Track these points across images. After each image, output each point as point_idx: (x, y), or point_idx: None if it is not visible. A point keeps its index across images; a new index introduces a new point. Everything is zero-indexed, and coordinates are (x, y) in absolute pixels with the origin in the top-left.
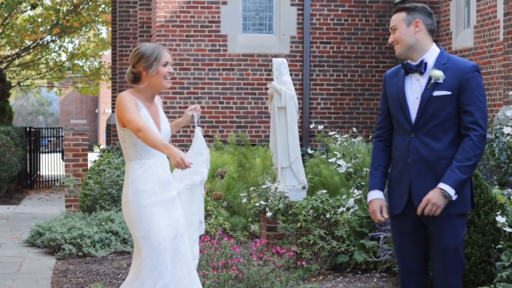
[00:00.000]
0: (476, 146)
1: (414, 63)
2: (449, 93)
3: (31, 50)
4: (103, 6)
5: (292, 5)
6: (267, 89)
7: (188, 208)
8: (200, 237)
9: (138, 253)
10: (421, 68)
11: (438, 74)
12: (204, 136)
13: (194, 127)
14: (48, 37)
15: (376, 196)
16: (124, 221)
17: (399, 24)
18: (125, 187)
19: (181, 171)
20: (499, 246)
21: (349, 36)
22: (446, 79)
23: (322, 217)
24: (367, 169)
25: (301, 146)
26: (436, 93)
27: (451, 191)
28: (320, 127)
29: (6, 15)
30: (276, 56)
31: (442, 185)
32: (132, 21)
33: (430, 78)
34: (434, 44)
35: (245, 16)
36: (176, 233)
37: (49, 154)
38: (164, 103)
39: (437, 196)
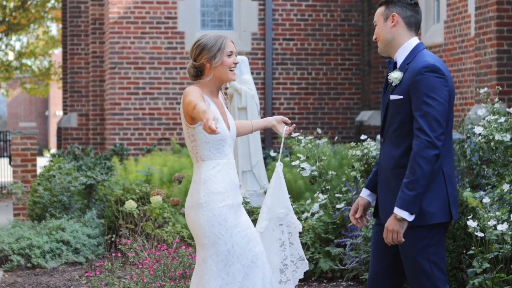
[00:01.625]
0: (418, 156)
1: (392, 61)
2: (401, 97)
3: None
4: (52, 1)
5: (253, 0)
6: (226, 88)
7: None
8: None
9: (202, 263)
10: (390, 68)
11: (394, 76)
12: (161, 139)
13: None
14: None
15: (361, 194)
16: (76, 230)
17: (378, 19)
18: (195, 188)
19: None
20: (471, 251)
21: (313, 32)
22: (402, 82)
23: None
24: (333, 172)
25: (263, 148)
26: (392, 96)
27: (402, 213)
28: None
29: None
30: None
31: (395, 209)
32: (83, 18)
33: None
34: (412, 39)
35: (203, 12)
36: (249, 239)
37: None
38: (118, 104)
39: (392, 222)
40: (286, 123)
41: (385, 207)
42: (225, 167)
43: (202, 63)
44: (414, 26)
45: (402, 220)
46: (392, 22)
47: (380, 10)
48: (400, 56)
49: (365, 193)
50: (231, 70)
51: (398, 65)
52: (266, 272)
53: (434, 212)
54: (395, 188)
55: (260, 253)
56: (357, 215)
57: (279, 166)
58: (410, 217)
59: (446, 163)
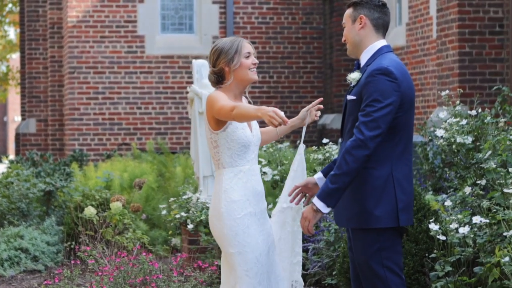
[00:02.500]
0: (348, 153)
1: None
2: (355, 97)
3: None
4: (10, 5)
5: (214, 3)
6: (187, 92)
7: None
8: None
9: (233, 272)
10: (354, 69)
11: (352, 77)
12: (121, 144)
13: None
14: None
15: (314, 176)
16: (35, 237)
17: (346, 21)
18: (216, 197)
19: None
20: (433, 255)
21: (275, 35)
22: (359, 83)
23: None
24: None
25: None
26: (349, 97)
27: (318, 204)
28: None
29: None
30: (197, 57)
31: (314, 198)
32: (41, 22)
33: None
34: (378, 41)
35: (163, 15)
36: (269, 249)
37: None
38: (77, 109)
39: (308, 210)
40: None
41: (339, 211)
42: (247, 174)
43: (221, 68)
44: (382, 28)
45: (317, 210)
46: (360, 24)
47: (348, 11)
48: (364, 58)
49: (317, 175)
50: (252, 70)
51: (361, 66)
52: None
53: (380, 216)
54: (349, 190)
55: (275, 263)
56: (297, 190)
57: (301, 147)
58: (325, 209)
59: (397, 169)
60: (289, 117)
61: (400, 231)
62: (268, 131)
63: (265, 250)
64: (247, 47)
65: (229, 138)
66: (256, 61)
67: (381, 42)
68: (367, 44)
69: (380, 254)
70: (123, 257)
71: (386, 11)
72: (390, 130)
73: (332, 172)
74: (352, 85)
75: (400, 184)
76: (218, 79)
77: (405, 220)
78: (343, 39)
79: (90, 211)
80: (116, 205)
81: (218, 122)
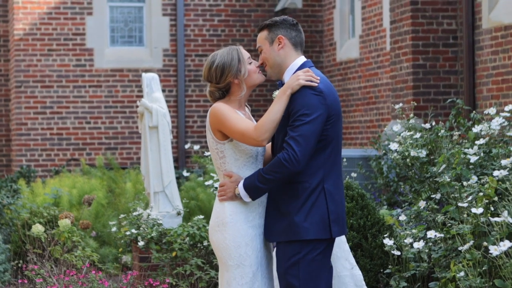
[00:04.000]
0: (278, 163)
1: (280, 82)
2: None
3: None
4: None
5: (164, 15)
6: (137, 107)
7: None
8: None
9: (227, 285)
10: (279, 86)
11: (276, 94)
12: (70, 160)
13: None
14: None
15: None
16: None
17: (262, 44)
18: (220, 207)
19: None
20: (388, 270)
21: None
22: None
23: (199, 245)
24: None
25: (177, 168)
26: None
27: (242, 192)
28: (197, 147)
29: None
30: (147, 70)
31: (240, 184)
32: None
33: None
34: (298, 58)
35: (113, 28)
36: (269, 262)
37: None
38: (24, 124)
39: (230, 190)
40: None
41: (268, 225)
42: None
43: (228, 82)
44: (300, 45)
45: (238, 195)
46: (279, 44)
47: (263, 34)
48: (287, 76)
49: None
50: (258, 73)
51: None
52: None
53: (308, 227)
54: (279, 204)
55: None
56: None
57: None
58: (247, 199)
59: (329, 180)
60: None
61: (328, 243)
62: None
63: (265, 264)
64: (245, 53)
65: (237, 148)
66: (259, 61)
67: (301, 59)
68: (289, 62)
69: (298, 266)
70: (72, 275)
71: (300, 29)
72: (321, 143)
73: (264, 169)
74: None
75: (332, 195)
76: (223, 94)
77: (336, 232)
78: (260, 62)
79: (38, 228)
80: (64, 222)
81: (224, 133)
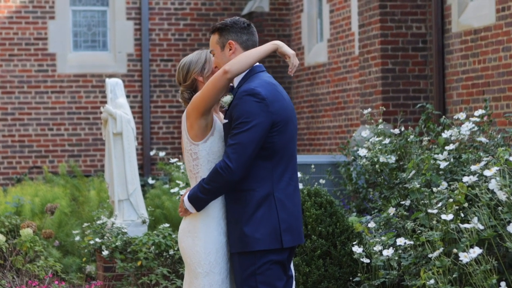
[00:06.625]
0: (216, 173)
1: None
2: (227, 121)
3: None
4: None
5: (128, 19)
6: (101, 113)
7: None
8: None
9: None
10: (231, 92)
11: (224, 100)
12: (32, 168)
13: None
14: None
15: None
16: None
17: (214, 48)
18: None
19: None
20: (357, 278)
21: (192, 52)
22: (230, 106)
23: (165, 253)
24: None
25: (142, 175)
26: (223, 120)
27: (187, 204)
28: (162, 153)
29: None
30: (112, 76)
31: (185, 197)
32: None
33: None
34: None
35: (75, 32)
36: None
37: None
38: None
39: (181, 204)
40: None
41: (227, 234)
42: None
43: (193, 80)
44: (252, 48)
45: (186, 209)
46: (230, 49)
47: (215, 38)
48: (236, 80)
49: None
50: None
51: (234, 89)
52: None
53: (259, 238)
54: (231, 213)
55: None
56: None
57: None
58: (193, 210)
59: (278, 189)
60: None
61: (285, 254)
62: None
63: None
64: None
65: (210, 150)
66: (212, 65)
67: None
68: None
69: (255, 278)
70: (35, 286)
71: (253, 31)
72: (267, 151)
73: (205, 179)
74: (225, 108)
75: (282, 204)
76: (191, 94)
77: (289, 241)
78: (213, 66)
79: None
80: (26, 232)
81: (199, 132)
